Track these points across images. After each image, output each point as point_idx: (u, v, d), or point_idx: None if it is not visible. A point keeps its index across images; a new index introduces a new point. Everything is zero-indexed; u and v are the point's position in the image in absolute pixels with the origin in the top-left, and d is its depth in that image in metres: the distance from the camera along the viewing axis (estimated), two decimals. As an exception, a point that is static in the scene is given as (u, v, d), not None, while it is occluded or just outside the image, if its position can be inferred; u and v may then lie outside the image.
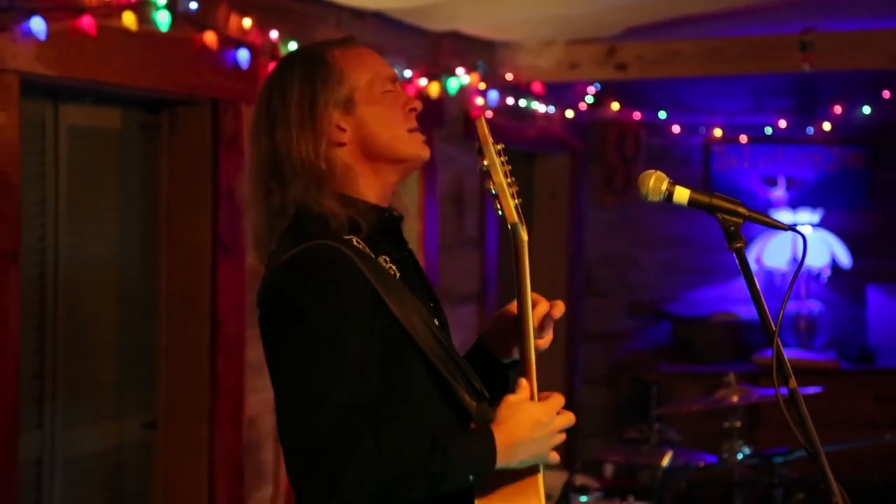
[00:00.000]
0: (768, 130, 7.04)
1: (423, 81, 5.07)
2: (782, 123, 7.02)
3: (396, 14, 4.88)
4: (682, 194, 2.07)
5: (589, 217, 7.12)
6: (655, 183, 2.06)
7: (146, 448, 4.13)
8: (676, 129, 6.95)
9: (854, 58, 5.31)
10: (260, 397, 4.32)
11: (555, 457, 2.06)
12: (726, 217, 2.04)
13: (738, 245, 2.04)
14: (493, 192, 2.02)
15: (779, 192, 6.98)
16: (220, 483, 4.07)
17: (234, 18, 4.06)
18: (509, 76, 5.75)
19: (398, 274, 2.08)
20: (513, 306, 2.13)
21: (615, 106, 6.81)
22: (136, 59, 3.66)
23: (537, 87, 5.95)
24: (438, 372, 2.02)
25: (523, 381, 2.04)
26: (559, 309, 2.12)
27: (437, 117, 5.20)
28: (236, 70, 4.07)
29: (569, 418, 2.06)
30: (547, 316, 2.12)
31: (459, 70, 5.27)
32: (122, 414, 4.05)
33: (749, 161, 7.08)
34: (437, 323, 2.08)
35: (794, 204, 6.87)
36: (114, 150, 4.00)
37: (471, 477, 1.96)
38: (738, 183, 7.04)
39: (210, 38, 3.92)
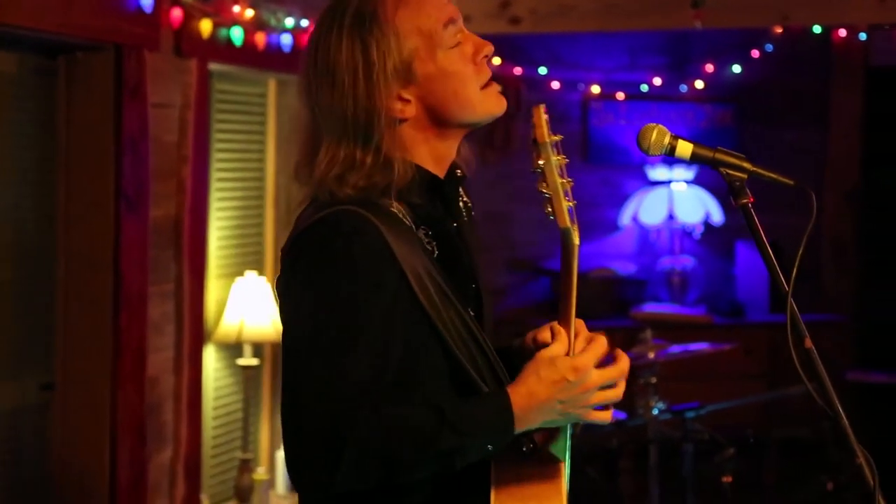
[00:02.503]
0: (644, 88, 7.10)
1: (318, 31, 4.93)
2: (657, 81, 7.09)
3: (293, -39, 4.74)
4: (684, 148, 2.01)
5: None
6: (657, 137, 1.99)
7: (44, 409, 3.94)
8: (556, 85, 6.95)
9: (745, 16, 5.36)
10: (161, 356, 4.17)
11: (599, 417, 1.86)
12: (730, 172, 1.98)
13: (745, 201, 1.96)
14: (546, 194, 1.82)
15: (653, 149, 7.05)
16: (122, 445, 3.91)
17: (137, -40, 3.88)
18: (400, 28, 5.64)
19: (436, 252, 1.89)
20: (545, 334, 1.91)
21: (496, 61, 6.76)
22: (38, 0, 3.46)
23: (428, 39, 5.86)
24: (462, 366, 1.84)
25: (560, 329, 1.84)
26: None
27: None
28: (139, 14, 3.89)
29: (610, 373, 1.84)
30: None
31: (354, 20, 5.15)
32: (18, 375, 3.86)
33: (626, 118, 7.12)
34: (471, 312, 1.88)
35: (669, 161, 6.94)
36: (9, 97, 3.78)
37: (489, 447, 1.80)
38: (615, 140, 7.09)
39: (113, -21, 3.73)
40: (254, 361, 4.71)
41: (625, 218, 7.01)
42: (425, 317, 1.82)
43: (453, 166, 1.98)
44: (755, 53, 6.90)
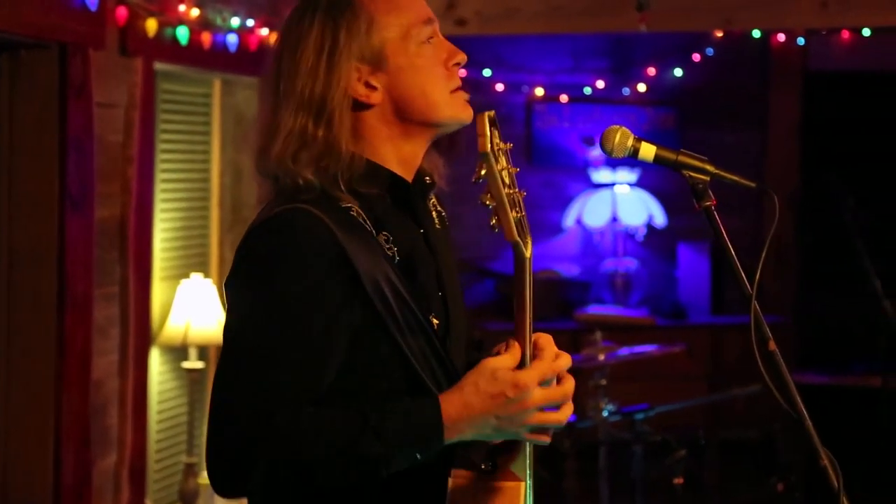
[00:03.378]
0: (587, 90, 7.12)
1: (264, 31, 4.91)
2: (600, 84, 7.11)
3: (239, -40, 4.70)
4: (647, 151, 2.02)
5: (411, 174, 7.05)
6: (621, 139, 2.00)
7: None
8: (500, 87, 6.95)
9: (689, 19, 5.39)
10: (105, 360, 4.11)
11: (536, 438, 1.78)
12: (693, 175, 1.99)
13: (708, 203, 1.97)
14: (490, 206, 1.72)
15: (597, 152, 7.07)
16: (66, 449, 3.85)
17: (81, -44, 3.82)
18: (346, 28, 5.61)
19: (397, 258, 1.84)
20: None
21: (440, 62, 6.74)
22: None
23: (373, 40, 5.83)
24: (418, 375, 1.79)
25: (514, 344, 1.76)
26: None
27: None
28: (84, 12, 3.83)
29: (553, 394, 1.76)
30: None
31: (300, 20, 5.12)
32: (-41, 379, 3.79)
33: (569, 120, 7.14)
34: (435, 320, 1.84)
35: (612, 164, 6.97)
36: (-49, 96, 3.71)
37: (417, 455, 1.73)
38: (558, 142, 7.10)
39: (58, -24, 3.68)
40: (199, 365, 4.66)
41: (568, 220, 7.03)
42: (381, 323, 1.77)
43: (422, 173, 1.95)
44: (696, 57, 6.95)
